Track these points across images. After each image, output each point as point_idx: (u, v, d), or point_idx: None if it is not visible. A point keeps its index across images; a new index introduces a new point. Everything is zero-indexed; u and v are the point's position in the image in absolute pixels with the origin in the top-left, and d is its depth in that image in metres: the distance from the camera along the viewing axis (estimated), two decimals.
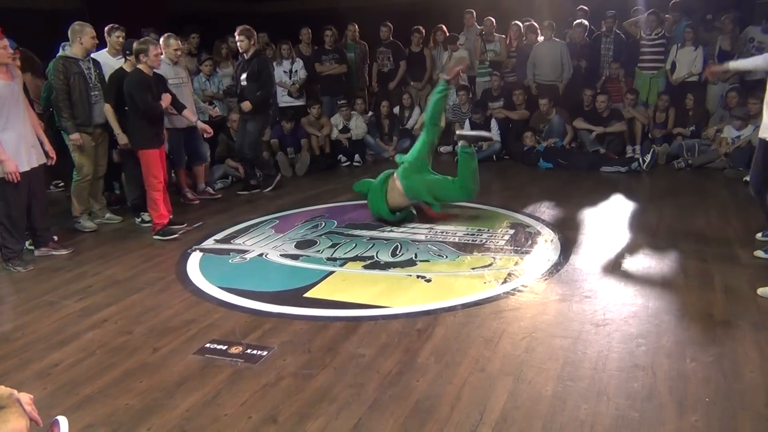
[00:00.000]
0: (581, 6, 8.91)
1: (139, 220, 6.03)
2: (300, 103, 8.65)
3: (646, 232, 5.11)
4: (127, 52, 5.89)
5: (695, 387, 2.84)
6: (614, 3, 8.94)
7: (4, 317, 4.07)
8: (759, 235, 4.80)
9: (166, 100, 5.61)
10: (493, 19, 8.88)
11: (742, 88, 7.55)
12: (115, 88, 5.61)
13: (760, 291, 3.79)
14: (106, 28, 6.15)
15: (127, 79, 5.45)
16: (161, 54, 5.70)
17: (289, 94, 8.58)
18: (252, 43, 6.76)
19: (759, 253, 4.42)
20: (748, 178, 6.35)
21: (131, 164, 5.81)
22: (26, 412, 1.71)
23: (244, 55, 6.80)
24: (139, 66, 5.43)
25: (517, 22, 9.00)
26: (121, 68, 5.77)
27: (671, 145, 7.71)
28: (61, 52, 5.62)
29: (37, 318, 3.98)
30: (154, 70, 5.57)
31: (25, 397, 1.74)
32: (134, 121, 5.49)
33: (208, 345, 3.48)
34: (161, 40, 6.29)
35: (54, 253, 5.21)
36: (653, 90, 8.29)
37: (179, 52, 6.42)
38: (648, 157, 7.33)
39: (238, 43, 6.76)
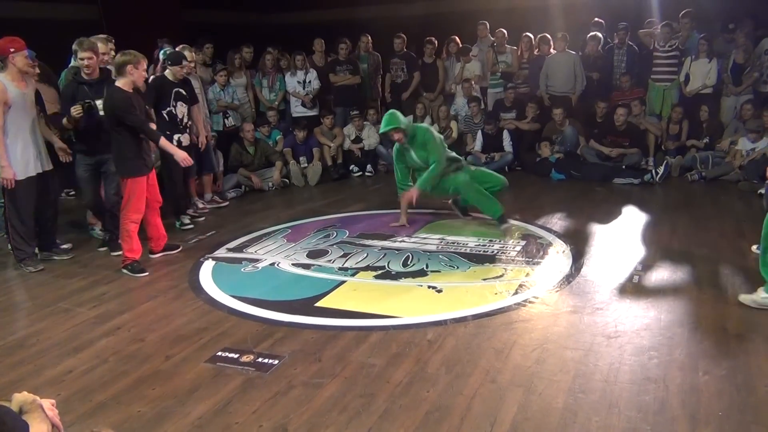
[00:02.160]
0: (597, 19, 8.91)
1: (179, 223, 6.12)
2: (313, 113, 8.72)
3: (659, 245, 5.09)
4: (168, 62, 5.94)
5: (708, 400, 2.81)
6: (627, 14, 8.94)
7: (19, 324, 4.12)
8: (754, 248, 4.80)
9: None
10: (505, 31, 8.91)
11: (756, 101, 7.52)
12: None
13: (741, 298, 3.85)
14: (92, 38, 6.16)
15: (111, 98, 4.82)
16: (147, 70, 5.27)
17: (303, 105, 8.64)
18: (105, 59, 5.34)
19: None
20: (762, 191, 6.33)
21: (170, 165, 5.84)
22: (48, 417, 1.73)
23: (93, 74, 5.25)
24: (120, 83, 4.83)
25: (528, 33, 9.02)
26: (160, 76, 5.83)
27: (685, 157, 7.67)
28: (73, 62, 5.63)
29: (52, 325, 4.02)
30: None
31: (47, 403, 1.77)
32: (121, 146, 4.88)
33: (219, 353, 3.49)
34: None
35: (55, 258, 5.33)
36: (667, 102, 8.26)
37: (193, 64, 6.48)
38: (661, 169, 7.30)
39: (85, 61, 5.16)
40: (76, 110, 4.98)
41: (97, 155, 5.25)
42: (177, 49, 6.40)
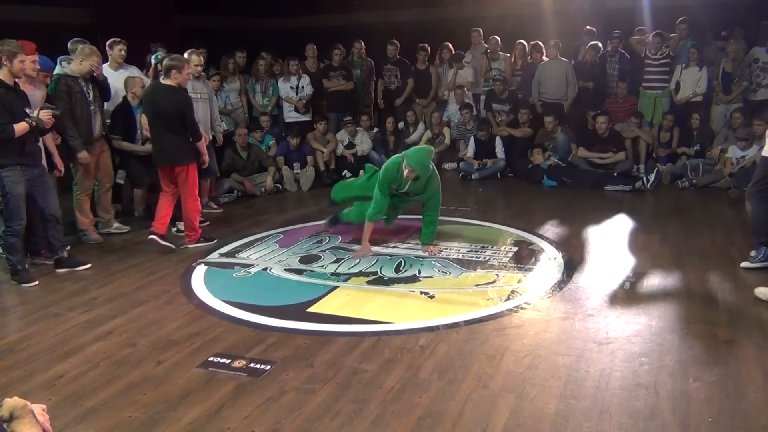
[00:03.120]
0: (588, 27, 8.96)
1: (175, 229, 6.07)
2: (306, 118, 8.72)
3: (650, 251, 5.12)
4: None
5: (698, 407, 2.83)
6: (618, 22, 9.00)
7: (10, 328, 4.09)
8: (753, 253, 4.81)
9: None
10: (498, 38, 8.96)
11: (746, 109, 7.58)
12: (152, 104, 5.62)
13: (757, 291, 3.93)
14: (107, 42, 6.22)
15: (177, 97, 5.38)
16: (190, 73, 5.68)
17: (296, 110, 8.65)
18: None
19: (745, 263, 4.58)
20: None
21: None
22: (39, 423, 1.72)
23: None
24: (169, 82, 5.39)
25: (521, 41, 9.07)
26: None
27: (675, 165, 7.73)
28: (59, 69, 5.56)
29: (43, 329, 3.99)
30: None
31: (38, 408, 1.76)
32: (181, 138, 5.44)
33: (211, 358, 3.49)
34: (184, 55, 6.36)
35: (46, 262, 5.28)
36: (658, 109, 8.32)
37: (200, 68, 6.48)
38: (652, 177, 7.35)
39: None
40: (46, 114, 4.73)
41: (35, 168, 4.88)
42: (185, 54, 6.37)
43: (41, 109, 4.74)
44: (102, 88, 5.86)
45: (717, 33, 8.39)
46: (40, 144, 5.03)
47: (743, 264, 4.62)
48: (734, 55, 7.78)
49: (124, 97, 6.34)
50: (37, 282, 4.88)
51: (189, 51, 6.39)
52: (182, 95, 5.45)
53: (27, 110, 4.74)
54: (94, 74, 5.72)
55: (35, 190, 4.89)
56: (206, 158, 5.80)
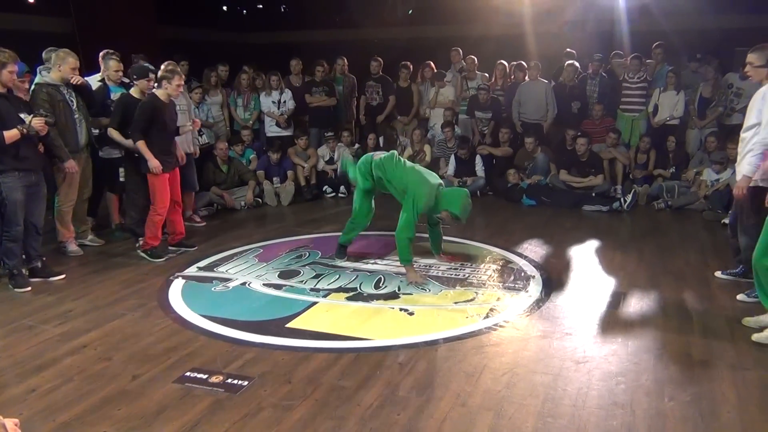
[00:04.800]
0: (568, 49, 9.10)
1: (138, 244, 5.92)
2: (287, 133, 8.72)
3: (627, 271, 5.18)
4: (134, 76, 5.88)
5: (673, 426, 2.86)
6: (600, 45, 9.17)
7: None
8: (719, 273, 4.93)
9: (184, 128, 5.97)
10: (475, 58, 9.09)
11: (720, 133, 7.74)
12: (121, 112, 5.62)
13: (755, 337, 3.77)
14: (101, 54, 6.20)
15: (140, 103, 5.48)
16: (182, 85, 5.71)
17: (277, 125, 8.65)
18: None
19: (742, 297, 4.44)
20: (726, 221, 6.50)
21: (133, 187, 5.74)
22: None
23: None
24: (157, 92, 5.51)
25: (502, 61, 9.19)
26: (128, 93, 5.80)
27: (652, 186, 7.85)
28: (39, 78, 5.49)
29: (15, 342, 3.92)
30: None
31: (10, 423, 1.74)
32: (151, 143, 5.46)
33: (188, 373, 3.45)
34: (161, 67, 6.32)
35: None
36: (635, 132, 8.46)
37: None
38: (629, 198, 7.45)
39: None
40: (39, 122, 4.72)
41: (33, 174, 4.90)
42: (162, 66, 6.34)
43: (34, 116, 4.73)
44: (87, 96, 5.79)
45: (692, 55, 8.59)
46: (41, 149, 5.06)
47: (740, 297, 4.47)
48: (713, 80, 7.96)
49: (102, 80, 6.24)
50: (30, 288, 4.86)
51: (165, 63, 6.35)
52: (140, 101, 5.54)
53: (22, 115, 4.72)
54: (71, 80, 5.62)
55: (27, 197, 4.89)
56: (154, 163, 5.46)
